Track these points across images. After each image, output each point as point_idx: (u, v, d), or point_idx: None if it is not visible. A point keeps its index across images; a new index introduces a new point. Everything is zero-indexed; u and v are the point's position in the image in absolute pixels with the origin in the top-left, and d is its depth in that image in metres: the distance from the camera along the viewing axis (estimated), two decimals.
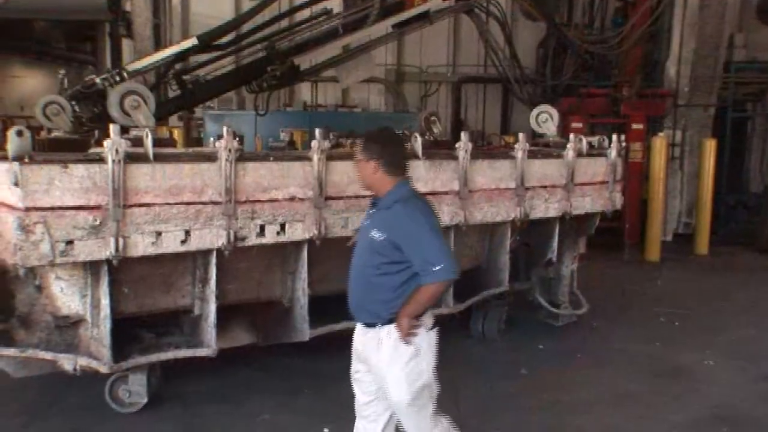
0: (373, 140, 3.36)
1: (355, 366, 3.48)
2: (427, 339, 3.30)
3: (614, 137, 6.61)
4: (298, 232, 4.68)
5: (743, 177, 13.74)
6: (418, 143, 5.24)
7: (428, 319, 3.33)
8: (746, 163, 13.82)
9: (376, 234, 3.28)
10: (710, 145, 10.72)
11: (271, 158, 4.61)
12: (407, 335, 3.24)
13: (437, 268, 3.17)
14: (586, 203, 6.39)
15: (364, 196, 4.91)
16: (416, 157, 5.19)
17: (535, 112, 6.96)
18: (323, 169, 4.71)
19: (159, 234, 4.19)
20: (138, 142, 4.26)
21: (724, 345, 6.40)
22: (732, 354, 6.15)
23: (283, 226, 4.60)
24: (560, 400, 5.06)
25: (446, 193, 5.41)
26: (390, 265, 3.25)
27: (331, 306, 4.59)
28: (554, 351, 6.12)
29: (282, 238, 4.63)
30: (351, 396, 3.53)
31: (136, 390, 4.61)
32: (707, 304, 7.85)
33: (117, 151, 4.01)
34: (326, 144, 4.75)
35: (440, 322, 3.40)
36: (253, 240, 4.51)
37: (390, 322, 3.27)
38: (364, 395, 3.46)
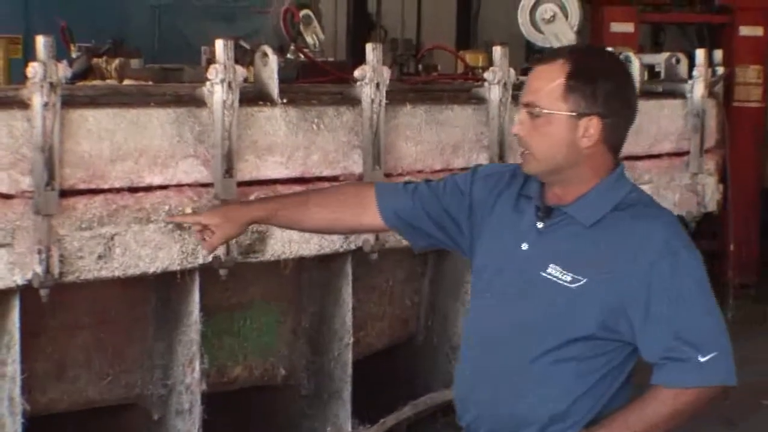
0: (590, 69, 3.37)
1: None
2: None
3: (700, 54, 6.80)
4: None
5: None
6: (270, 68, 5.35)
7: None
8: None
9: (560, 274, 3.41)
10: None
11: None
12: None
13: (707, 358, 3.32)
14: None
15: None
16: (268, 100, 5.31)
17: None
18: (55, 125, 4.68)
19: None
20: None
21: None
22: None
23: None
24: None
25: (334, 179, 5.48)
26: (585, 342, 3.41)
27: None
28: None
29: None
30: None
31: None
32: None
33: None
34: (63, 71, 4.71)
35: None
36: None
37: None
38: None
